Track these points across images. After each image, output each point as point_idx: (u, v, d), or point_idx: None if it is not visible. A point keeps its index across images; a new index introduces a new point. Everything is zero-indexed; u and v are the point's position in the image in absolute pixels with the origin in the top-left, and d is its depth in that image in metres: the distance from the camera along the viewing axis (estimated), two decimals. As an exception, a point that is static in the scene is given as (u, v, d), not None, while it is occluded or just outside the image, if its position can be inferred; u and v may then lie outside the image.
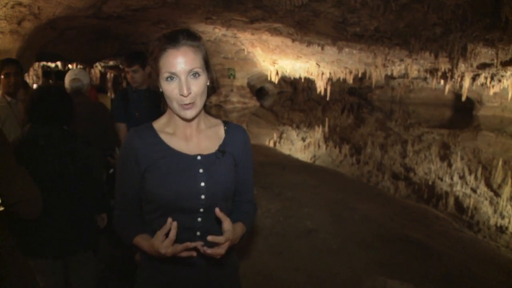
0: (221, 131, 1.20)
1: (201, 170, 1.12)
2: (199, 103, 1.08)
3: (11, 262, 1.19)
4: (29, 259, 1.59)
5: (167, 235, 1.00)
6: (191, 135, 1.16)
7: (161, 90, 1.10)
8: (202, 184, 1.11)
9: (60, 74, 6.37)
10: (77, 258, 1.92)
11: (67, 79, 3.05)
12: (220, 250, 1.04)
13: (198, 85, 1.06)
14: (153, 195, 1.10)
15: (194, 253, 1.03)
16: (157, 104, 1.20)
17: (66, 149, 1.82)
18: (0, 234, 1.18)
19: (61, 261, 1.89)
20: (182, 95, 1.04)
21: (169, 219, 1.00)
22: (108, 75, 20.09)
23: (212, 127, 1.20)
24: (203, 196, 1.10)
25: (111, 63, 16.80)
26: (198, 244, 1.03)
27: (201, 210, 1.12)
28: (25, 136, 1.81)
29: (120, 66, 17.35)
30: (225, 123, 1.23)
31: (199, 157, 1.13)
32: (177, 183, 1.09)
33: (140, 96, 2.79)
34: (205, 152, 1.14)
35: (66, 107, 1.89)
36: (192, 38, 1.07)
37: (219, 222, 1.16)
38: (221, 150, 1.16)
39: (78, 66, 13.38)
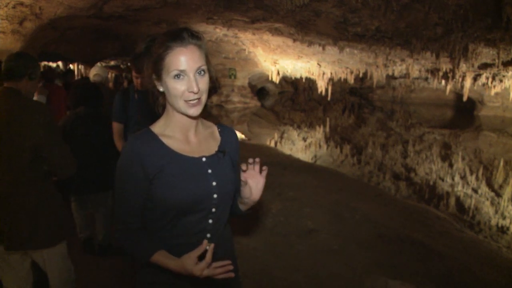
0: (216, 133, 1.23)
1: (209, 171, 1.13)
2: (204, 101, 1.10)
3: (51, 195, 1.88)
4: (74, 196, 2.87)
5: (200, 257, 1.01)
6: (190, 137, 1.16)
7: (161, 89, 1.10)
8: (214, 183, 1.12)
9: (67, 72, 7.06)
10: (102, 194, 2.90)
11: (91, 74, 4.28)
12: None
13: (205, 83, 1.08)
14: (165, 201, 1.08)
15: (232, 275, 1.04)
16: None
17: (97, 122, 2.89)
18: (47, 181, 1.87)
19: (93, 196, 2.89)
20: (192, 91, 1.04)
21: (205, 241, 1.02)
22: (109, 75, 20.10)
23: (208, 128, 1.23)
24: (215, 195, 1.12)
25: (112, 63, 16.83)
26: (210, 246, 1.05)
27: (213, 210, 1.14)
28: (73, 115, 2.86)
29: (121, 66, 17.38)
30: (218, 125, 1.26)
31: (204, 159, 1.14)
32: (191, 186, 1.09)
33: (142, 97, 2.73)
34: (208, 153, 1.16)
35: (96, 96, 2.97)
36: (196, 36, 1.08)
37: (225, 223, 1.22)
38: (222, 150, 1.18)
39: (80, 66, 13.42)
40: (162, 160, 1.09)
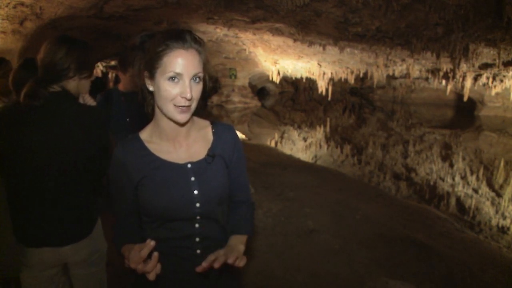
0: (209, 133, 1.17)
1: (192, 178, 1.10)
2: (193, 108, 1.06)
3: None
4: None
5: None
6: (180, 141, 1.13)
7: (151, 89, 1.06)
8: (196, 192, 1.09)
9: None
10: None
11: None
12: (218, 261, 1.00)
13: (198, 91, 1.04)
14: (149, 208, 1.09)
15: (153, 278, 0.96)
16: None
17: None
18: None
19: None
20: (184, 97, 1.00)
21: (148, 240, 0.95)
22: (109, 75, 20.11)
23: (200, 130, 1.18)
24: (198, 204, 1.09)
25: (112, 63, 16.84)
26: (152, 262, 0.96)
27: (198, 217, 1.11)
28: None
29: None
30: (213, 124, 1.20)
31: (189, 165, 1.11)
32: (170, 194, 1.07)
33: (129, 99, 2.60)
34: (195, 159, 1.12)
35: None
36: (198, 41, 1.05)
37: (216, 226, 1.17)
38: (211, 154, 1.13)
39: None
40: (147, 167, 1.09)
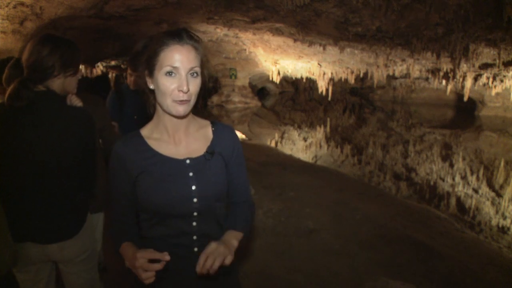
0: (209, 132, 1.19)
1: (191, 174, 1.11)
2: (192, 103, 1.07)
3: None
4: None
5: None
6: (179, 138, 1.14)
7: (151, 87, 1.08)
8: (193, 187, 1.10)
9: None
10: None
11: None
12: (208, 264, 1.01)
13: (196, 85, 1.06)
14: (146, 203, 1.09)
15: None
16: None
17: None
18: None
19: None
20: (181, 90, 1.02)
21: (166, 253, 0.99)
22: (110, 75, 20.11)
23: (200, 128, 1.19)
24: (195, 200, 1.10)
25: (112, 63, 16.84)
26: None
27: (195, 214, 1.11)
28: None
29: (122, 66, 17.40)
30: (213, 123, 1.21)
31: (188, 161, 1.12)
32: (168, 189, 1.08)
33: (137, 96, 2.69)
34: (194, 155, 1.13)
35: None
36: (194, 39, 1.07)
37: (214, 224, 1.17)
38: (210, 151, 1.15)
39: (80, 66, 13.39)
40: (145, 162, 1.10)
